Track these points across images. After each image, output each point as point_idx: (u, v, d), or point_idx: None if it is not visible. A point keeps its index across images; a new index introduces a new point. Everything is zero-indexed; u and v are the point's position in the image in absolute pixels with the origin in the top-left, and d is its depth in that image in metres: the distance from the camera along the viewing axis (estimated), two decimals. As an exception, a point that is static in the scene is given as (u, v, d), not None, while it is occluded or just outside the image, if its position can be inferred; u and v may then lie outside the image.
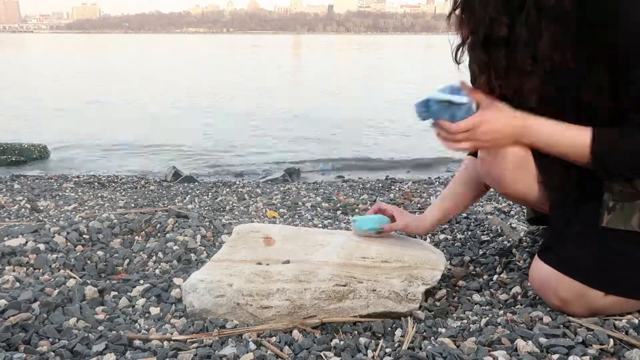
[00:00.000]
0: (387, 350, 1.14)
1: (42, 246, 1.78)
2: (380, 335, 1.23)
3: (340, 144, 6.29)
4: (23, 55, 31.23)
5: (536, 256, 1.25)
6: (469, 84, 1.23)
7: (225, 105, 9.49)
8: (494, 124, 1.14)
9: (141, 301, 1.43)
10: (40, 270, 1.64)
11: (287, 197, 3.07)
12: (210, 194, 3.29)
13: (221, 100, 10.27)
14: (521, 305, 1.31)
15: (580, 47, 1.08)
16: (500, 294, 1.40)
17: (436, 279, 1.37)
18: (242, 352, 1.11)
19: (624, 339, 1.05)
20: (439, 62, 24.64)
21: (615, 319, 1.14)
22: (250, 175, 4.77)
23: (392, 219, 1.48)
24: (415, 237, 1.89)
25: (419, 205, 2.65)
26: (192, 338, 1.19)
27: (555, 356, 1.01)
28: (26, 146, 5.41)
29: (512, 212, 2.32)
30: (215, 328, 1.24)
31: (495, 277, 1.51)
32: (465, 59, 1.22)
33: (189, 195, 3.21)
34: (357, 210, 2.61)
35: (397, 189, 3.30)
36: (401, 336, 1.20)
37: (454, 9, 1.16)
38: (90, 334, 1.20)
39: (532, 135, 1.15)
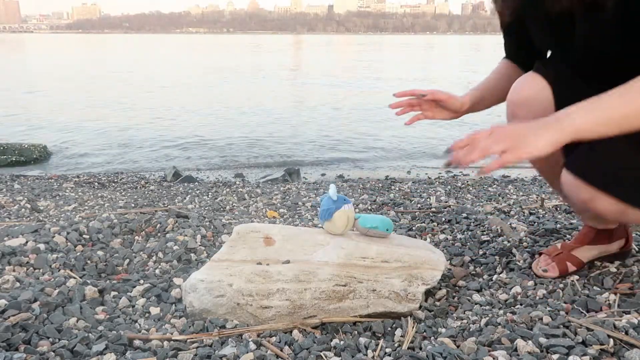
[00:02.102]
0: (387, 350, 1.14)
1: (42, 246, 1.78)
2: (380, 335, 1.23)
3: (341, 143, 6.29)
4: (23, 55, 31.23)
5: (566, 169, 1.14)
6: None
7: (225, 105, 9.49)
8: (519, 124, 1.04)
9: (141, 301, 1.43)
10: (40, 270, 1.64)
11: (287, 197, 3.08)
12: (210, 194, 3.29)
13: (221, 99, 10.26)
14: (521, 305, 1.31)
15: None
16: (500, 294, 1.40)
17: (436, 279, 1.37)
18: (242, 352, 1.11)
19: (624, 339, 1.05)
20: (438, 62, 24.69)
21: (615, 319, 1.14)
22: (250, 175, 4.77)
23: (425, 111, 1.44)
24: (415, 237, 1.90)
25: (419, 205, 2.65)
26: (192, 338, 1.19)
27: (555, 356, 1.01)
28: (26, 146, 5.42)
29: (512, 212, 2.32)
30: (215, 328, 1.24)
31: (495, 277, 1.51)
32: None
33: (189, 195, 3.21)
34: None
35: (397, 189, 3.30)
36: (401, 336, 1.20)
37: None
38: (90, 334, 1.20)
39: (577, 119, 0.98)
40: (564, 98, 1.17)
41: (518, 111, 1.29)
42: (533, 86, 1.27)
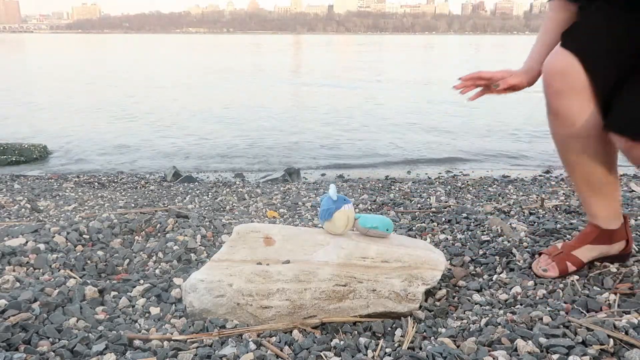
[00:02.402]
0: (387, 350, 1.14)
1: (42, 246, 1.78)
2: (380, 335, 1.23)
3: (341, 143, 6.29)
4: (23, 55, 31.24)
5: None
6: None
7: (226, 105, 9.49)
8: None
9: (141, 301, 1.43)
10: (40, 270, 1.64)
11: (287, 197, 3.08)
12: (210, 194, 3.29)
13: (221, 99, 10.26)
14: (521, 305, 1.31)
15: None
16: (500, 294, 1.40)
17: (436, 279, 1.37)
18: (242, 352, 1.11)
19: (624, 339, 1.05)
20: (438, 62, 24.71)
21: (615, 319, 1.14)
22: (250, 175, 4.77)
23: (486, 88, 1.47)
24: (415, 237, 1.90)
25: (419, 205, 2.65)
26: (192, 338, 1.19)
27: (555, 356, 1.01)
28: (26, 146, 5.42)
29: (512, 212, 2.32)
30: (215, 328, 1.24)
31: (495, 277, 1.51)
32: None
33: (189, 195, 3.21)
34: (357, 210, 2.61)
35: (397, 189, 3.30)
36: (401, 336, 1.20)
37: None
38: (90, 334, 1.20)
39: None
40: (595, 70, 1.27)
41: (553, 82, 1.33)
42: (564, 61, 1.31)
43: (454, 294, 1.45)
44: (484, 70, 1.45)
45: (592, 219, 1.48)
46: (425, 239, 1.90)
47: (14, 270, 1.63)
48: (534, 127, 7.08)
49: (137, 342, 1.17)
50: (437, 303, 1.40)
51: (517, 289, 1.40)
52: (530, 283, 1.43)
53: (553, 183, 3.55)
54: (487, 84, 1.47)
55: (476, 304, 1.36)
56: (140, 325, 1.30)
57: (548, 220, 2.09)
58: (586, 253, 1.47)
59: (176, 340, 1.18)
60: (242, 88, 12.59)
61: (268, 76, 16.27)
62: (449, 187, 3.35)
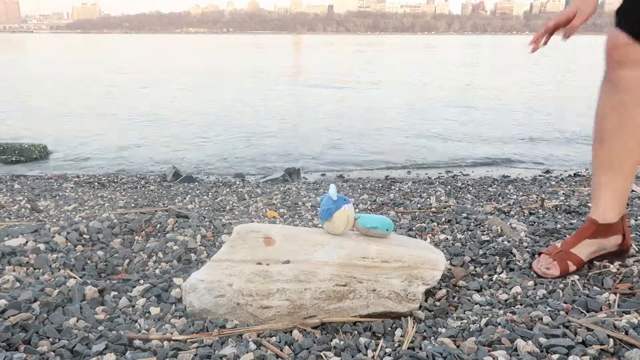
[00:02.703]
0: (387, 350, 1.14)
1: (42, 246, 1.78)
2: (380, 335, 1.23)
3: (341, 143, 6.29)
4: (24, 55, 31.24)
5: None
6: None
7: (226, 105, 9.49)
8: None
9: (141, 301, 1.43)
10: (40, 270, 1.64)
11: (287, 197, 3.07)
12: (210, 194, 3.29)
13: (221, 99, 10.27)
14: (521, 305, 1.31)
15: None
16: (500, 294, 1.40)
17: (436, 279, 1.37)
18: (242, 352, 1.11)
19: (624, 339, 1.05)
20: (438, 63, 24.70)
21: (615, 319, 1.14)
22: (250, 175, 4.77)
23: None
24: (415, 237, 1.90)
25: (419, 205, 2.65)
26: (192, 338, 1.19)
27: (555, 356, 1.01)
28: (26, 146, 5.42)
29: (512, 212, 2.32)
30: (215, 328, 1.24)
31: (495, 277, 1.51)
32: None
33: (189, 195, 3.21)
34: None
35: (397, 189, 3.30)
36: (401, 336, 1.20)
37: None
38: (90, 334, 1.20)
39: None
40: None
41: (614, 53, 1.43)
42: (621, 36, 1.40)
43: (454, 294, 1.45)
44: (549, 22, 1.49)
45: (592, 211, 1.49)
46: (425, 239, 1.90)
47: (14, 270, 1.63)
48: (534, 128, 7.09)
49: (137, 342, 1.17)
50: (437, 303, 1.40)
51: (517, 289, 1.40)
52: (530, 283, 1.43)
53: (553, 183, 3.55)
54: (557, 29, 1.51)
55: (476, 304, 1.36)
56: (140, 325, 1.30)
57: (548, 220, 2.09)
58: (585, 249, 1.48)
59: (176, 340, 1.18)
60: (243, 88, 12.59)
61: (268, 77, 16.27)
62: (449, 187, 3.35)
